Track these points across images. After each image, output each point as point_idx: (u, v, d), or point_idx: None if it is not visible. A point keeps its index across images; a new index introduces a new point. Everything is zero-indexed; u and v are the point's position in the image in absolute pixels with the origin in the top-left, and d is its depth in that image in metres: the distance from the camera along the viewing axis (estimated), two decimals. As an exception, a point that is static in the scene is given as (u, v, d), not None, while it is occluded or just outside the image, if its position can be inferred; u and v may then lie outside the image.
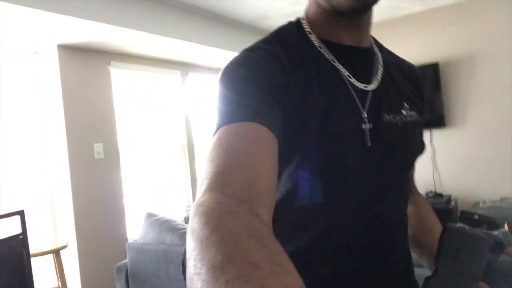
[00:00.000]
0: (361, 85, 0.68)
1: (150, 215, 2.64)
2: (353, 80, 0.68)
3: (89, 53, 3.37)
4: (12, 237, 2.00)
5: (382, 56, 0.76)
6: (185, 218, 3.44)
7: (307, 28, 0.71)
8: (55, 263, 2.92)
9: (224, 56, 4.13)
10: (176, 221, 2.53)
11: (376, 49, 0.76)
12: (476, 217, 0.63)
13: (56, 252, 2.91)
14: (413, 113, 0.75)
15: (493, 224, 0.62)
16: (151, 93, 3.96)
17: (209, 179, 0.48)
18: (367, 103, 0.68)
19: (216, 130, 0.56)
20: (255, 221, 0.41)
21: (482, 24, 3.82)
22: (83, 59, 3.33)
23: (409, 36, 4.06)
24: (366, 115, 0.67)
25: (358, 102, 0.67)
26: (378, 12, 3.80)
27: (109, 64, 3.54)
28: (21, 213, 2.08)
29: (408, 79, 0.80)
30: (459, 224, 0.65)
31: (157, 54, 3.81)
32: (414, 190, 0.93)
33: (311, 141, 0.64)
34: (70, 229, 3.18)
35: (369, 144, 0.66)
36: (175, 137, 4.20)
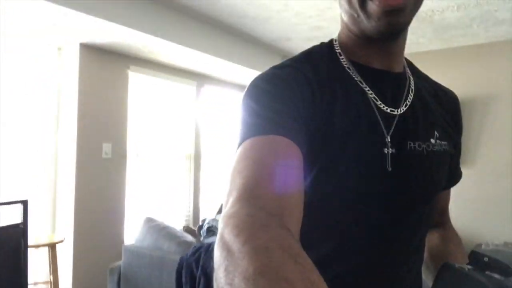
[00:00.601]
0: (387, 109, 0.67)
1: (149, 220, 2.64)
2: (379, 103, 0.67)
3: (110, 54, 3.44)
4: (13, 225, 2.01)
5: (415, 82, 0.74)
6: (183, 227, 3.43)
7: (337, 49, 0.72)
8: (49, 256, 2.92)
9: (241, 72, 4.19)
10: (175, 229, 2.53)
11: (409, 74, 0.74)
12: (486, 259, 0.59)
13: (52, 246, 2.91)
14: (444, 142, 0.72)
15: (504, 270, 0.58)
16: (165, 100, 4.01)
17: (238, 190, 0.48)
18: (392, 128, 0.67)
19: (242, 142, 0.56)
20: (286, 235, 0.42)
21: (498, 66, 3.84)
22: (103, 60, 3.40)
23: (425, 73, 4.08)
24: (389, 140, 0.66)
25: (382, 125, 0.66)
26: (397, 46, 3.82)
27: (128, 67, 3.60)
28: (24, 202, 2.10)
29: (444, 107, 0.77)
30: (461, 265, 0.61)
31: (176, 63, 3.88)
32: (446, 223, 0.89)
33: (330, 159, 0.63)
34: (68, 224, 3.19)
35: (390, 169, 0.65)
36: (183, 145, 4.23)
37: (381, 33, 0.63)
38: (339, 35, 0.74)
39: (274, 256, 0.37)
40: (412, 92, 0.72)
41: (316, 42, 0.76)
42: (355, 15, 0.64)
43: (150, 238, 2.47)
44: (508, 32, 3.60)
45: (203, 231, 3.19)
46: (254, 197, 0.47)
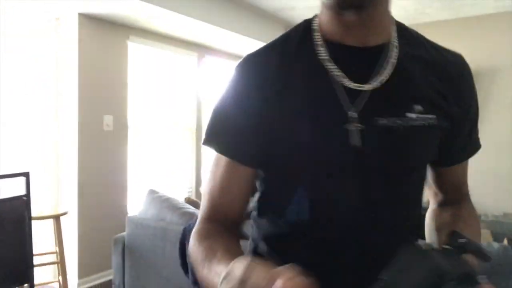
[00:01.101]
0: (354, 85, 0.65)
1: (152, 192, 2.66)
2: (345, 81, 0.65)
3: (109, 24, 3.37)
4: (16, 197, 2.02)
5: (403, 51, 0.69)
6: (185, 198, 3.45)
7: (315, 26, 0.71)
8: (54, 228, 2.96)
9: (243, 42, 4.11)
10: (177, 200, 2.54)
11: (396, 44, 0.69)
12: (463, 240, 0.57)
13: (57, 218, 2.94)
14: (430, 116, 0.66)
15: (481, 255, 0.55)
16: (166, 71, 3.96)
17: (203, 211, 0.75)
18: (361, 104, 0.65)
19: (205, 142, 0.75)
20: (224, 231, 0.71)
21: (507, 37, 3.76)
22: (102, 30, 3.33)
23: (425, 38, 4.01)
24: (354, 116, 0.64)
25: (345, 102, 0.65)
26: (405, 16, 3.74)
27: (128, 38, 3.53)
28: (26, 175, 2.10)
29: (440, 76, 0.70)
30: (430, 243, 0.58)
31: (176, 33, 3.80)
32: (461, 201, 0.84)
33: (289, 143, 0.66)
34: (72, 196, 3.22)
35: (358, 145, 0.64)
36: (184, 118, 4.21)
37: (340, 6, 0.62)
38: (320, 11, 0.72)
39: (211, 245, 0.67)
40: (391, 65, 0.67)
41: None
42: None
43: (153, 209, 2.49)
44: (518, 1, 3.50)
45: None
46: (212, 214, 0.74)
